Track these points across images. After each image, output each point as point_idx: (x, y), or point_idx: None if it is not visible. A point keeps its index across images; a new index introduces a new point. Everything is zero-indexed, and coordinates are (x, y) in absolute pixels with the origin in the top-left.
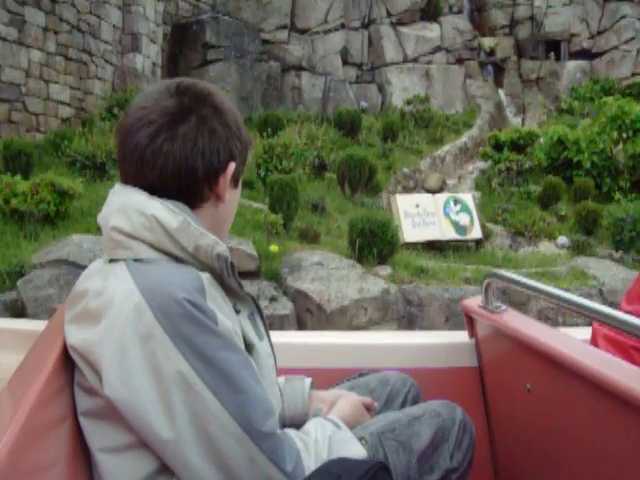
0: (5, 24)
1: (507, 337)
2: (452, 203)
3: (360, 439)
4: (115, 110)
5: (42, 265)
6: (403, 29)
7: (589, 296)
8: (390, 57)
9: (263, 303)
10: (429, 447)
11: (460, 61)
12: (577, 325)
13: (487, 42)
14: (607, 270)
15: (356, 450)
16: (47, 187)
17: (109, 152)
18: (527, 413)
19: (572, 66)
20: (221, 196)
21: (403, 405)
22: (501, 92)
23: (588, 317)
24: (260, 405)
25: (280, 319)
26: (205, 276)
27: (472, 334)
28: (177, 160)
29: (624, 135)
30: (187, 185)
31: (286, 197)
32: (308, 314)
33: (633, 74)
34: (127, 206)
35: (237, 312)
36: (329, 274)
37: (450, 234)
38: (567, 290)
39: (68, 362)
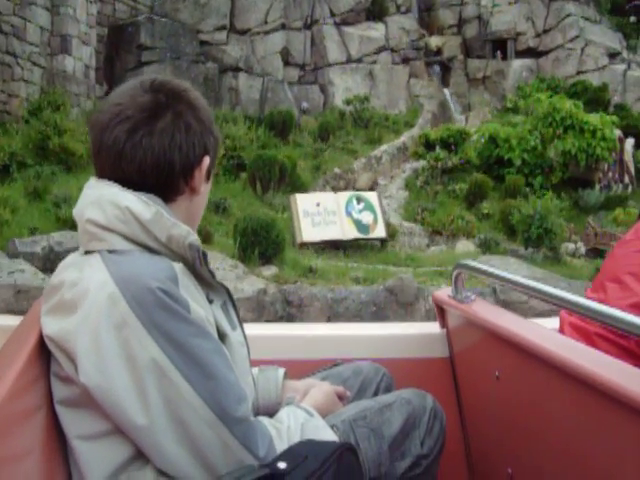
0: None
1: (476, 326)
2: (355, 202)
3: (332, 426)
4: (39, 112)
5: None
6: (347, 29)
7: (482, 294)
8: (333, 57)
9: None
10: (400, 434)
11: (406, 61)
12: None
13: (434, 41)
14: (508, 268)
15: (328, 437)
16: None
17: (13, 153)
18: (497, 400)
19: (518, 65)
20: (196, 189)
21: (376, 394)
22: (446, 91)
23: (554, 304)
24: (233, 391)
25: None
26: (178, 266)
27: (443, 324)
28: (156, 154)
29: (556, 132)
30: (165, 179)
31: None
32: None
33: (578, 72)
34: (101, 199)
35: (210, 302)
36: None
37: (352, 233)
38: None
39: (44, 353)
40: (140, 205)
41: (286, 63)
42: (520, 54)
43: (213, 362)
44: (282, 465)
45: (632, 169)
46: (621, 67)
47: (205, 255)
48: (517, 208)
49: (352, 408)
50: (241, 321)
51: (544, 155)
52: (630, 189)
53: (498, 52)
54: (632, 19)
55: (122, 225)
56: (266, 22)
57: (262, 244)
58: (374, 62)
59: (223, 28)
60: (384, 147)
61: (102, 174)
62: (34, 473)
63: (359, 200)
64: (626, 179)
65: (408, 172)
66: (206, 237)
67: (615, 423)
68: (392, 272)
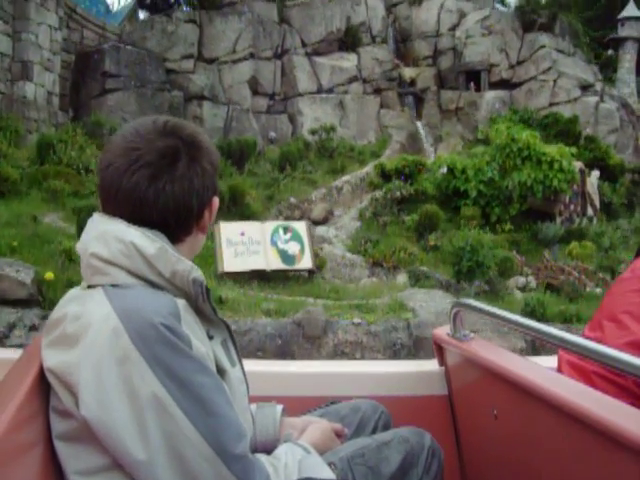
0: None
1: (475, 365)
2: (281, 231)
3: (329, 464)
4: None
5: None
6: (318, 59)
7: (394, 329)
8: (303, 87)
9: (18, 332)
10: (398, 472)
11: (378, 91)
12: None
13: (408, 72)
14: (432, 302)
15: (325, 474)
16: None
17: None
18: (495, 438)
19: (491, 96)
20: (205, 228)
21: (374, 432)
22: (419, 122)
23: (552, 344)
24: (232, 428)
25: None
26: (180, 302)
27: (441, 362)
28: (177, 200)
29: (515, 163)
30: (182, 222)
31: None
32: None
33: (550, 104)
34: (106, 234)
35: (210, 338)
36: None
37: (276, 264)
38: (373, 323)
39: (43, 387)
40: (145, 240)
41: (255, 92)
42: (494, 85)
43: (213, 399)
44: None
45: (597, 202)
46: (593, 99)
47: (208, 291)
48: (448, 240)
49: (350, 446)
50: (241, 358)
51: (501, 186)
52: (595, 222)
53: (471, 83)
54: (610, 52)
55: (126, 260)
56: (234, 51)
57: None
58: (345, 92)
59: (190, 57)
60: (346, 177)
61: (114, 214)
62: None
63: (286, 230)
64: (590, 212)
65: (365, 203)
66: None
67: (613, 462)
68: (310, 304)
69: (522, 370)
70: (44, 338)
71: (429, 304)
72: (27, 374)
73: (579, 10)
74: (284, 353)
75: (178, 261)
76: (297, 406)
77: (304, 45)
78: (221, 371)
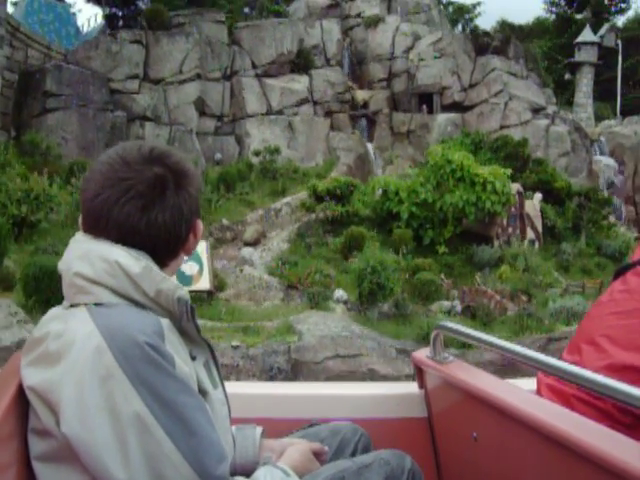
0: None
1: (455, 387)
2: None
3: None
4: None
5: None
6: (269, 81)
7: (274, 353)
8: (252, 109)
9: None
10: None
11: (329, 113)
12: None
13: (361, 95)
14: (323, 325)
15: None
16: None
17: None
18: (475, 461)
19: (443, 119)
20: (190, 251)
21: (353, 455)
22: (369, 145)
23: (531, 366)
24: (214, 449)
25: None
26: (164, 321)
27: (421, 385)
28: (169, 229)
29: (448, 184)
30: (172, 248)
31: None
32: None
33: (502, 127)
34: (90, 253)
35: (193, 358)
36: None
37: None
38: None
39: (21, 408)
40: (129, 259)
41: (202, 113)
42: (446, 108)
43: (196, 419)
44: None
45: (539, 225)
46: (544, 122)
47: (193, 309)
48: (381, 262)
49: (330, 468)
50: (222, 379)
51: (435, 209)
52: (537, 245)
53: (424, 106)
54: (567, 76)
55: (110, 279)
56: (181, 72)
57: (47, 292)
58: (295, 114)
59: (135, 77)
60: (286, 199)
61: (100, 237)
62: None
63: None
64: (531, 235)
65: (299, 224)
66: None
67: None
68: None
69: (501, 393)
70: (24, 357)
71: (318, 327)
72: (4, 394)
73: (552, 37)
74: None
75: (163, 280)
76: (278, 428)
77: (254, 66)
78: (203, 392)
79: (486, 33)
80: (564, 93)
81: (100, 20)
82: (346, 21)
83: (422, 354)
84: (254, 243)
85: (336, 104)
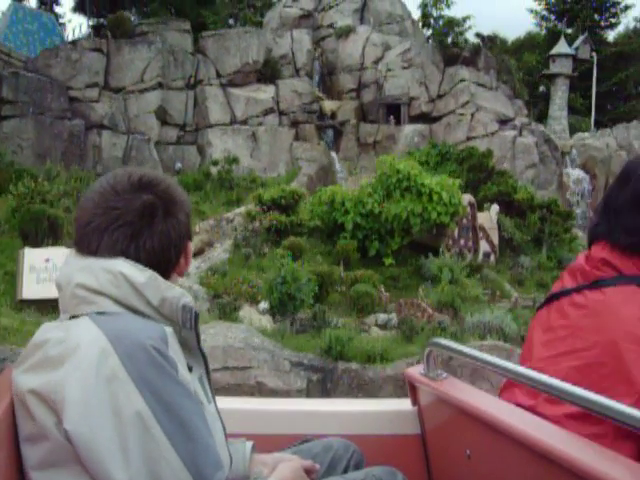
0: None
1: (448, 404)
2: None
3: None
4: None
5: None
6: (234, 90)
7: None
8: (215, 118)
9: None
10: None
11: (295, 124)
12: None
13: (329, 105)
14: (219, 336)
15: None
16: None
17: None
18: (468, 479)
19: (410, 130)
20: (182, 272)
21: (345, 471)
22: (334, 155)
23: (525, 384)
24: (211, 455)
25: None
26: (168, 329)
27: (414, 401)
28: (157, 254)
29: (395, 195)
30: (162, 271)
31: None
32: None
33: (468, 138)
34: (92, 265)
35: (190, 369)
36: None
37: None
38: None
39: (10, 419)
40: (134, 270)
41: (164, 122)
42: (414, 119)
43: (196, 424)
44: None
45: (495, 237)
46: (511, 134)
47: (197, 316)
48: (292, 273)
49: None
50: (214, 395)
51: (381, 219)
52: (492, 258)
53: (391, 117)
54: (541, 88)
55: (114, 288)
56: (142, 80)
57: None
58: (260, 124)
59: (95, 85)
60: (240, 209)
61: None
62: None
63: None
64: (486, 247)
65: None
66: None
67: None
68: None
69: (495, 410)
70: (20, 365)
71: (215, 338)
72: None
73: (542, 50)
74: None
75: (168, 288)
76: (270, 444)
77: (219, 76)
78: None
79: (455, 44)
80: (541, 105)
81: (85, 30)
82: (318, 31)
83: (415, 371)
84: (198, 253)
85: (303, 114)
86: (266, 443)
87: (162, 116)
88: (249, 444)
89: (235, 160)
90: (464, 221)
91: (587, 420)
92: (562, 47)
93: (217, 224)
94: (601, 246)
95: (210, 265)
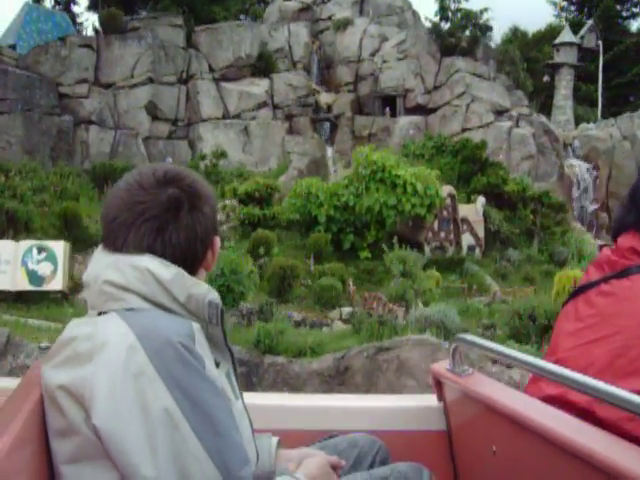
0: None
1: (474, 400)
2: (35, 251)
3: None
4: None
5: None
6: (226, 84)
7: None
8: (207, 113)
9: None
10: None
11: (289, 117)
12: None
13: (324, 98)
14: None
15: None
16: None
17: None
18: (493, 475)
19: (405, 122)
20: (210, 266)
21: (371, 467)
22: (329, 148)
23: (553, 380)
24: (238, 452)
25: None
26: (195, 325)
27: (440, 397)
28: (183, 249)
29: (369, 186)
30: (189, 266)
31: None
32: None
33: (463, 129)
34: (119, 262)
35: (217, 365)
36: None
37: (23, 284)
38: None
39: (40, 414)
40: (160, 267)
41: (155, 117)
42: (410, 111)
43: (223, 420)
44: None
45: (480, 230)
46: (507, 124)
47: (223, 313)
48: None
49: None
50: (241, 391)
51: (355, 212)
52: (477, 252)
53: (387, 109)
54: (545, 78)
55: (141, 285)
56: (132, 76)
57: None
58: (253, 118)
59: (85, 81)
60: (224, 202)
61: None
62: None
63: (41, 250)
64: (470, 240)
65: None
66: None
67: None
68: (36, 326)
69: (521, 406)
70: (49, 361)
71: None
72: (25, 400)
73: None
74: None
75: (194, 285)
76: (296, 440)
77: (212, 70)
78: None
79: (451, 34)
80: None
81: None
82: (316, 24)
83: (441, 366)
84: None
85: (297, 108)
86: (291, 439)
87: (153, 111)
88: (274, 439)
89: (223, 154)
90: (444, 213)
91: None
92: (566, 36)
93: None
94: (630, 235)
95: None
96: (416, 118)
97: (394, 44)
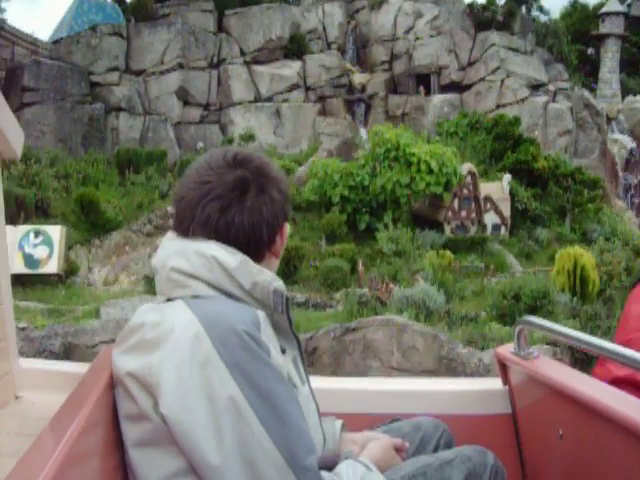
0: None
1: (540, 383)
2: (32, 236)
3: None
4: None
5: None
6: (258, 68)
7: (54, 335)
8: (239, 96)
9: None
10: None
11: (322, 99)
12: None
13: (358, 79)
14: (132, 310)
15: None
16: None
17: None
18: (560, 460)
19: (439, 100)
20: (278, 253)
21: (435, 450)
22: (363, 129)
23: (626, 365)
24: (303, 440)
25: None
26: (260, 313)
27: (505, 381)
28: (247, 230)
29: (384, 165)
30: (254, 250)
31: None
32: None
33: (498, 106)
34: (186, 249)
35: (283, 351)
36: None
37: (19, 268)
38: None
39: (111, 397)
40: (226, 254)
41: (186, 103)
42: (445, 89)
43: (288, 408)
44: None
45: (506, 209)
46: (542, 99)
47: (288, 301)
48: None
49: (412, 464)
50: (308, 376)
51: (370, 192)
52: (503, 231)
53: (421, 87)
54: (590, 51)
55: (207, 272)
56: (162, 62)
57: None
58: (285, 100)
59: (115, 69)
60: None
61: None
62: None
63: (37, 234)
64: (495, 219)
65: None
66: None
67: None
68: (25, 307)
69: (589, 389)
70: (118, 347)
71: (124, 312)
72: (95, 385)
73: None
74: None
75: (259, 272)
76: (359, 423)
77: (243, 54)
78: (293, 387)
79: (485, 7)
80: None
81: None
82: (352, 4)
83: (506, 350)
84: None
85: (330, 89)
86: (355, 422)
87: (184, 96)
88: (338, 423)
89: (251, 137)
90: (464, 192)
91: None
92: (612, 5)
93: None
94: None
95: None
96: (450, 96)
97: (427, 20)
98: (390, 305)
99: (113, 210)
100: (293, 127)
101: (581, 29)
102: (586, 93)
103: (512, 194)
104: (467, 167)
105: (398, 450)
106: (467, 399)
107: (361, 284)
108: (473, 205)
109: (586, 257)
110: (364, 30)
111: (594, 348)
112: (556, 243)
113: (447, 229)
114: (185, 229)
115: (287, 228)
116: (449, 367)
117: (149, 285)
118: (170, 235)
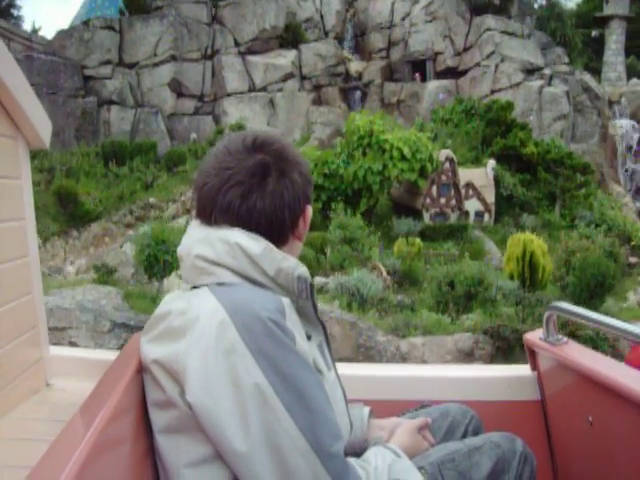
0: None
1: (569, 370)
2: None
3: (420, 468)
4: None
5: None
6: (252, 58)
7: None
8: (233, 87)
9: None
10: (489, 478)
11: (318, 87)
12: None
13: (354, 67)
14: (73, 298)
15: (415, 479)
16: None
17: None
18: (590, 446)
19: (434, 86)
20: (301, 236)
21: (464, 437)
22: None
23: None
24: (329, 426)
25: None
26: (285, 300)
27: (534, 367)
28: (269, 215)
29: (358, 153)
30: (277, 234)
31: None
32: None
33: (492, 91)
34: (210, 236)
35: (308, 338)
36: None
37: None
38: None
39: (139, 384)
40: (249, 241)
41: (180, 94)
42: (440, 75)
43: (314, 395)
44: None
45: (489, 195)
46: (537, 83)
47: (312, 287)
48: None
49: (440, 450)
50: (334, 362)
51: (344, 180)
52: (487, 218)
53: (417, 74)
54: (594, 33)
55: (231, 259)
56: (155, 54)
57: None
58: (280, 90)
59: (108, 62)
60: None
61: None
62: None
63: None
64: (477, 206)
65: None
66: None
67: None
68: None
69: (619, 376)
70: (145, 335)
71: (65, 300)
72: (124, 372)
73: None
74: None
75: (283, 259)
76: (387, 409)
77: (237, 44)
78: (318, 372)
79: None
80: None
81: None
82: None
83: (534, 336)
84: (173, 218)
85: (326, 78)
86: (383, 408)
87: (177, 88)
88: (366, 409)
89: (241, 128)
90: (443, 178)
91: None
92: None
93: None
94: None
95: None
96: (446, 82)
97: (422, 6)
98: (325, 293)
99: (93, 202)
100: (287, 117)
101: (588, 12)
102: (587, 77)
103: (497, 180)
104: (445, 153)
105: (421, 429)
106: (496, 385)
107: (326, 273)
108: (452, 192)
109: (536, 243)
110: (362, 18)
111: (623, 333)
112: (543, 230)
113: (426, 216)
114: (207, 216)
115: (310, 211)
116: (366, 355)
117: (99, 274)
118: (194, 223)
